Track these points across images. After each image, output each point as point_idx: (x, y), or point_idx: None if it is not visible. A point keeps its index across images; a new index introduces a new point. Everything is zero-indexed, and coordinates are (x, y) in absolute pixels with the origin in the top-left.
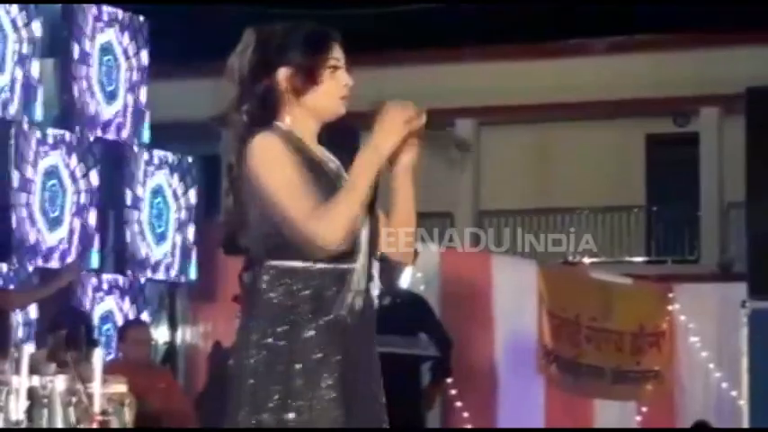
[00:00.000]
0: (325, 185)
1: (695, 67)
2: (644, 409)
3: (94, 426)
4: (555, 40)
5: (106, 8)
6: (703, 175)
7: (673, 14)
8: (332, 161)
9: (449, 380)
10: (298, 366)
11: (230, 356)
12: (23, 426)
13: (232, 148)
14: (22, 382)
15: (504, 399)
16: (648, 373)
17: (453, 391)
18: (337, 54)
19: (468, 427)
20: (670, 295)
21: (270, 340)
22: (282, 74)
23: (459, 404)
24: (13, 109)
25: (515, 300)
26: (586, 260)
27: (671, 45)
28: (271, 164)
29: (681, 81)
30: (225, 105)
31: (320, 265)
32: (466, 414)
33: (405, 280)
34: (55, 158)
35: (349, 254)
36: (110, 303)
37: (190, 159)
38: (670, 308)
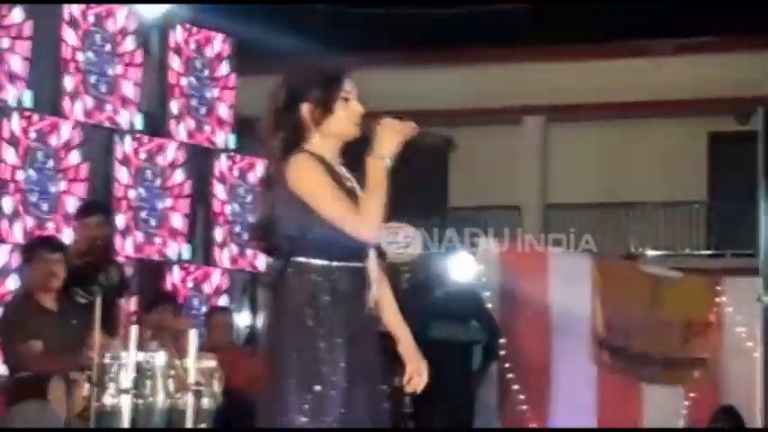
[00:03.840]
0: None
1: (756, 69)
2: (691, 394)
3: (189, 394)
4: (622, 40)
5: (198, 30)
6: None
7: (736, 18)
8: (348, 179)
9: (506, 365)
10: (322, 345)
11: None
12: (131, 393)
13: (268, 166)
14: (130, 357)
15: (558, 384)
16: (696, 360)
17: (510, 375)
18: (348, 87)
19: (524, 408)
20: (718, 288)
21: (300, 321)
22: (305, 108)
23: (515, 387)
24: (114, 119)
25: (570, 291)
26: (649, 253)
27: (733, 47)
28: (309, 176)
29: (742, 82)
30: (262, 131)
31: (336, 264)
32: (522, 396)
33: (467, 272)
34: (152, 163)
35: (360, 254)
36: (198, 290)
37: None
38: (718, 300)
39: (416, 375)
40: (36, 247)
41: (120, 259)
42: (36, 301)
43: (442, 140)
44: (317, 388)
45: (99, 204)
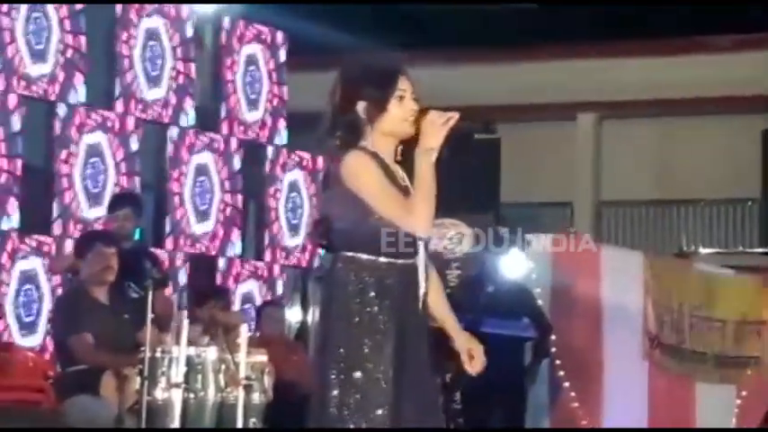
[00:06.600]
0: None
1: None
2: (744, 392)
3: (240, 389)
4: (675, 37)
5: (251, 26)
6: None
7: None
8: (402, 177)
9: (557, 362)
10: (368, 340)
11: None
12: (182, 388)
13: (326, 164)
14: (181, 351)
15: (609, 380)
16: (749, 359)
17: (561, 373)
18: (403, 85)
19: (575, 405)
20: None
21: (346, 316)
22: (361, 106)
23: (566, 384)
24: (167, 114)
25: (622, 288)
26: (702, 250)
27: None
28: (364, 174)
29: None
30: (320, 131)
31: (383, 259)
32: (573, 393)
33: (518, 270)
34: (204, 158)
35: (408, 251)
36: (249, 285)
37: (321, 159)
38: None
39: (476, 356)
40: (92, 241)
41: (162, 253)
42: (89, 294)
43: (490, 139)
44: (362, 383)
45: (128, 197)
